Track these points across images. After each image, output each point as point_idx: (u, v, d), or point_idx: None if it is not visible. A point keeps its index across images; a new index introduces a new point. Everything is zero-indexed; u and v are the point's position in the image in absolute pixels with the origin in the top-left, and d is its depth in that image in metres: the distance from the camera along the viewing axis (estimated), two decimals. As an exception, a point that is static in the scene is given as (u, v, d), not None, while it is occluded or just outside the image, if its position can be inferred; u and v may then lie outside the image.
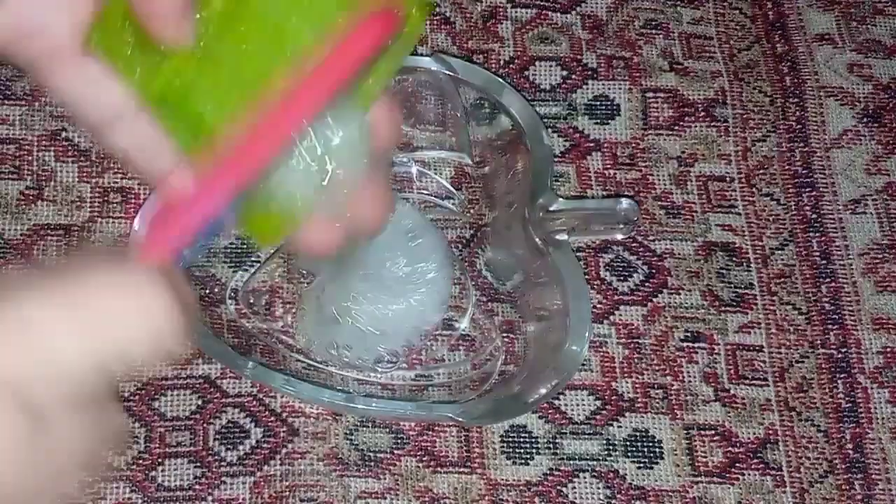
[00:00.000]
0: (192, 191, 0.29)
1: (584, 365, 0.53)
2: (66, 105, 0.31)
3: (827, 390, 0.54)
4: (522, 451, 0.51)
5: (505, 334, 0.53)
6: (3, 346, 0.23)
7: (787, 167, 0.58)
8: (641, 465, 0.52)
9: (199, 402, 0.51)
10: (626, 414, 0.53)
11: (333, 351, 0.52)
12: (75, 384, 0.24)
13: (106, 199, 0.55)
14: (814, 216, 0.57)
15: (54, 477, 0.24)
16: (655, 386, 0.53)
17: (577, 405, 0.53)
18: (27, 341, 0.23)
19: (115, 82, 0.30)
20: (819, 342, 0.55)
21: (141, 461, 0.50)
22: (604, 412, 0.53)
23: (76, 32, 0.29)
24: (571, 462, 0.51)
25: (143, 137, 0.30)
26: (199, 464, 0.50)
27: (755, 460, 0.52)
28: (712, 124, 0.59)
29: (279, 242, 0.34)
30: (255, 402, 0.51)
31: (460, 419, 0.47)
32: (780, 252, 0.56)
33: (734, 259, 0.56)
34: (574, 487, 0.51)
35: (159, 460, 0.50)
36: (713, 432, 0.52)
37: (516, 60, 0.60)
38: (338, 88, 0.29)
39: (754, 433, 0.53)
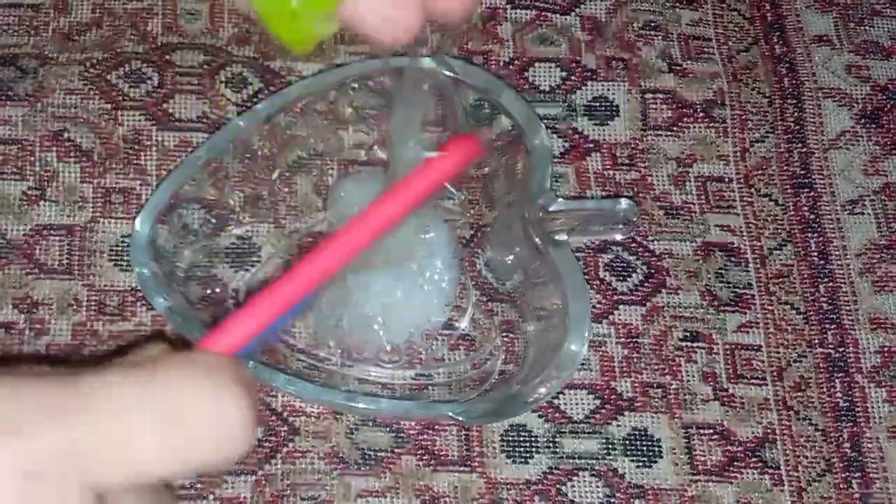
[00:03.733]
0: (262, 295, 0.29)
1: (583, 364, 0.53)
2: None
3: (825, 389, 0.54)
4: (522, 449, 0.52)
5: (505, 334, 0.53)
6: (89, 445, 0.22)
7: (785, 168, 0.59)
8: (640, 463, 0.52)
9: (201, 402, 0.51)
10: (625, 413, 0.53)
11: (332, 341, 0.51)
12: (149, 481, 0.23)
13: (108, 199, 0.55)
14: (812, 217, 0.58)
15: None
16: (654, 385, 0.53)
17: (577, 404, 0.53)
18: (114, 446, 0.22)
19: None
20: (817, 342, 0.55)
21: (143, 460, 0.50)
22: (603, 411, 0.53)
23: None
24: (571, 461, 0.52)
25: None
26: (200, 463, 0.50)
27: (753, 459, 0.52)
28: (711, 125, 0.59)
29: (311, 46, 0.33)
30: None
31: (460, 418, 0.47)
32: (778, 252, 0.57)
33: (733, 259, 0.56)
34: (573, 486, 0.51)
35: (161, 459, 0.50)
36: (712, 431, 0.53)
37: (516, 61, 0.60)
38: (415, 207, 0.32)
39: (753, 432, 0.53)
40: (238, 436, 0.23)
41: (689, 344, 0.54)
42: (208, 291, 0.53)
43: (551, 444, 0.52)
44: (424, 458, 0.51)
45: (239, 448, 0.23)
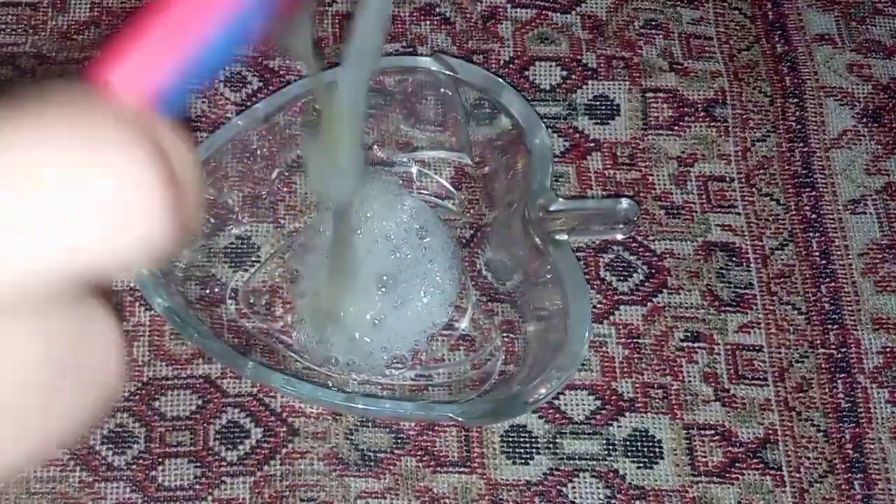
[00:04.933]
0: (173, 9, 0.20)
1: (584, 365, 0.53)
2: None
3: (826, 390, 0.54)
4: (522, 450, 0.52)
5: (505, 334, 0.53)
6: None
7: (786, 167, 0.59)
8: (641, 464, 0.52)
9: (199, 402, 0.51)
10: (626, 414, 0.53)
11: (339, 356, 0.52)
12: (45, 281, 0.18)
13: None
14: (813, 216, 0.57)
15: (63, 398, 0.19)
16: (655, 386, 0.53)
17: (577, 405, 0.53)
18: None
19: None
20: (819, 342, 0.55)
21: (141, 461, 0.50)
22: (604, 412, 0.53)
23: None
24: (571, 462, 0.51)
25: None
26: (199, 463, 0.50)
27: (755, 460, 0.52)
28: (712, 124, 0.59)
29: None
30: (255, 402, 0.51)
31: (460, 419, 0.47)
32: (779, 252, 0.56)
33: (734, 259, 0.56)
34: (574, 487, 0.51)
35: (159, 460, 0.50)
36: (713, 432, 0.52)
37: (516, 60, 0.60)
38: None
39: (754, 433, 0.53)
40: (142, 193, 0.18)
41: (690, 344, 0.54)
42: (207, 291, 0.52)
43: (552, 445, 0.52)
44: (424, 459, 0.51)
45: (146, 210, 0.18)
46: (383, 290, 0.52)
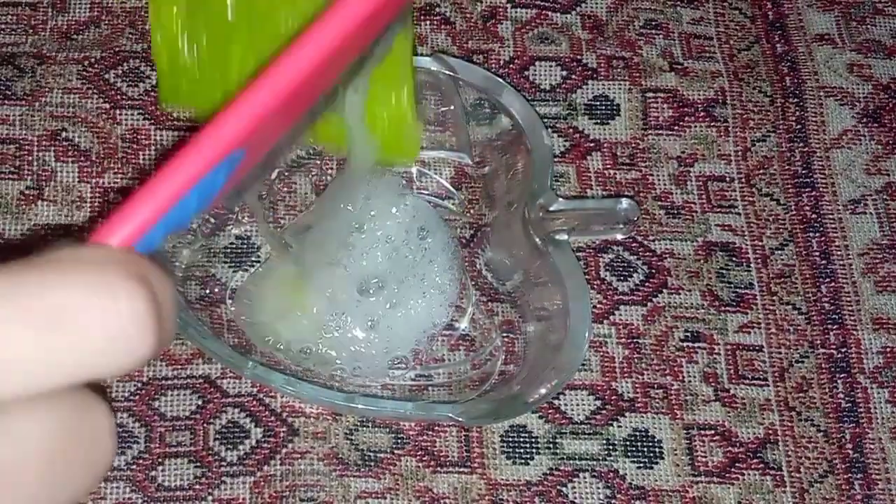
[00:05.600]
0: (157, 174, 0.23)
1: (584, 365, 0.53)
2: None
3: (827, 390, 0.54)
4: (522, 450, 0.52)
5: (505, 334, 0.53)
6: None
7: (786, 167, 0.58)
8: (641, 464, 0.52)
9: (199, 402, 0.51)
10: (626, 414, 0.53)
11: (340, 359, 0.52)
12: (41, 391, 0.19)
13: (106, 199, 0.55)
14: (813, 216, 0.57)
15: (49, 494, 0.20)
16: (655, 386, 0.53)
17: (577, 405, 0.53)
18: None
19: None
20: (819, 342, 0.55)
21: (141, 461, 0.50)
22: (604, 412, 0.53)
23: None
24: (571, 462, 0.51)
25: None
26: (199, 464, 0.50)
27: (755, 460, 0.52)
28: (712, 124, 0.59)
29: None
30: (255, 402, 0.51)
31: (460, 419, 0.47)
32: (779, 252, 0.56)
33: (734, 259, 0.56)
34: (574, 487, 0.51)
35: (159, 460, 0.50)
36: (713, 432, 0.52)
37: (516, 60, 0.60)
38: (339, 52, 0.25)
39: (754, 433, 0.53)
40: (133, 336, 0.20)
41: (690, 344, 0.54)
42: (207, 291, 0.52)
43: (552, 445, 0.52)
44: (424, 459, 0.51)
45: (135, 350, 0.20)
46: (373, 291, 0.52)
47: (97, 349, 0.20)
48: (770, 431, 0.53)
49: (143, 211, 0.23)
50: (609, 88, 0.60)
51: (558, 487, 0.51)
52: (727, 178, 0.58)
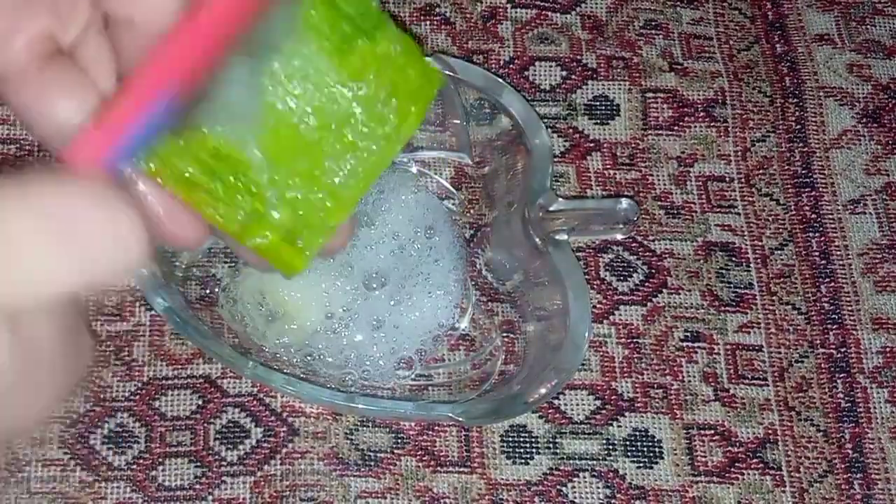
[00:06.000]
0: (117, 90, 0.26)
1: (583, 365, 0.53)
2: (15, 114, 0.31)
3: (826, 390, 0.54)
4: (522, 450, 0.52)
5: (505, 334, 0.53)
6: None
7: (786, 167, 0.59)
8: (641, 464, 0.52)
9: (200, 402, 0.51)
10: (626, 413, 0.53)
11: (350, 362, 0.52)
12: (50, 298, 0.23)
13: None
14: (813, 216, 0.57)
15: (35, 392, 0.24)
16: (655, 386, 0.53)
17: (577, 405, 0.53)
18: (10, 258, 0.22)
19: (66, 101, 0.30)
20: (818, 342, 0.55)
21: (141, 461, 0.50)
22: (603, 412, 0.53)
23: (31, 45, 0.29)
24: (571, 462, 0.52)
25: None
26: (199, 463, 0.50)
27: (755, 460, 0.52)
28: (712, 124, 0.59)
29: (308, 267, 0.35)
30: (255, 402, 0.51)
31: (460, 419, 0.47)
32: (779, 252, 0.57)
33: (734, 259, 0.56)
34: (574, 487, 0.51)
35: (159, 460, 0.50)
36: (713, 432, 0.53)
37: (516, 60, 0.60)
38: None
39: (754, 433, 0.53)
40: (131, 242, 0.23)
41: (689, 344, 0.54)
42: (207, 291, 0.52)
43: (552, 445, 0.52)
44: (424, 458, 0.51)
45: (132, 254, 0.23)
46: (375, 286, 0.52)
47: (102, 254, 0.23)
48: (770, 431, 0.53)
49: (114, 124, 0.25)
50: (609, 88, 0.60)
51: (558, 487, 0.51)
52: (727, 178, 0.58)
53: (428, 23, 0.60)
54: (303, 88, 0.31)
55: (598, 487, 0.51)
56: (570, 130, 0.58)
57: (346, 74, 0.32)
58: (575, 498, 0.51)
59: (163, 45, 0.26)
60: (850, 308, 0.55)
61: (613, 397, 0.53)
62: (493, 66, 0.59)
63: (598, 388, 0.53)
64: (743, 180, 0.58)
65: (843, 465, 0.52)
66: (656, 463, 0.52)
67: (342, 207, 0.34)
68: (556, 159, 0.57)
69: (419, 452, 0.51)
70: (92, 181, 0.23)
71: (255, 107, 0.31)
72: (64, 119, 0.30)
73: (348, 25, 0.31)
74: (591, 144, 0.58)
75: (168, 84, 0.26)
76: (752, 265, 0.56)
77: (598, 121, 0.59)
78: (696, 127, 0.59)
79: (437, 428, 0.52)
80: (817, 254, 0.57)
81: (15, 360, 0.22)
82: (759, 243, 0.57)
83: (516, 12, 0.61)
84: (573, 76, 0.60)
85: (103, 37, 0.30)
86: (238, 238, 0.33)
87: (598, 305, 0.54)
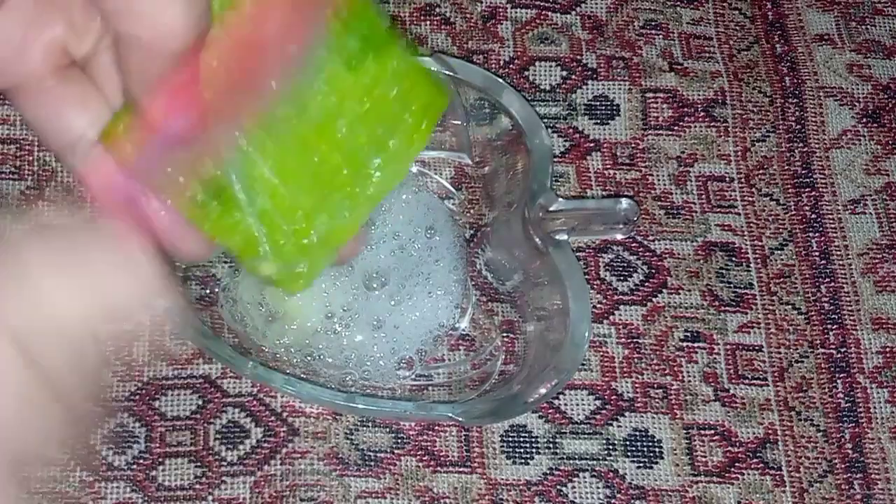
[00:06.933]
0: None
1: (583, 365, 0.53)
2: (29, 126, 0.31)
3: (826, 390, 0.54)
4: (522, 450, 0.52)
5: (505, 334, 0.53)
6: (9, 304, 0.23)
7: (786, 167, 0.59)
8: (641, 464, 0.52)
9: (200, 402, 0.51)
10: (626, 413, 0.53)
11: (351, 363, 0.52)
12: (69, 338, 0.24)
13: (106, 199, 0.55)
14: (813, 216, 0.57)
15: (50, 428, 0.25)
16: (655, 386, 0.53)
17: (577, 405, 0.53)
18: (28, 291, 0.23)
19: (77, 113, 0.30)
20: (818, 342, 0.55)
21: (141, 461, 0.50)
22: (603, 412, 0.53)
23: (47, 57, 0.29)
24: (571, 462, 0.52)
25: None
26: (199, 463, 0.50)
27: (755, 460, 0.52)
28: (712, 124, 0.59)
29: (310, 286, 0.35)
30: (255, 402, 0.51)
31: (460, 419, 0.47)
32: (779, 252, 0.57)
33: (734, 259, 0.56)
34: (574, 487, 0.51)
35: (159, 460, 0.50)
36: (713, 432, 0.53)
37: (516, 60, 0.60)
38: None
39: (754, 433, 0.53)
40: (142, 275, 0.25)
41: (689, 344, 0.54)
42: (207, 291, 0.52)
43: (551, 445, 0.52)
44: (424, 458, 0.51)
45: (145, 290, 0.25)
46: (375, 286, 0.52)
47: (116, 289, 0.25)
48: (770, 431, 0.53)
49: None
50: (609, 88, 0.60)
51: (558, 487, 0.51)
52: (727, 178, 0.58)
53: (428, 23, 0.60)
54: (315, 107, 0.31)
55: (598, 487, 0.51)
56: (570, 130, 0.58)
57: (355, 93, 0.31)
58: (575, 498, 0.51)
59: (179, 75, 0.27)
60: (850, 308, 0.55)
61: (613, 397, 0.53)
62: (493, 66, 0.59)
63: (598, 388, 0.53)
64: (743, 180, 0.58)
65: (843, 465, 0.52)
66: (656, 463, 0.52)
67: (347, 231, 0.33)
68: (556, 159, 0.57)
69: (419, 452, 0.51)
70: (109, 216, 0.25)
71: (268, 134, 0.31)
72: (77, 132, 0.30)
73: (357, 42, 0.31)
74: (591, 144, 0.58)
75: (184, 113, 0.27)
76: (752, 265, 0.56)
77: (598, 121, 0.59)
78: (696, 127, 0.59)
79: (437, 428, 0.52)
80: (817, 254, 0.57)
81: (28, 387, 0.23)
82: (759, 243, 0.57)
83: (516, 12, 0.61)
84: (573, 76, 0.60)
85: (114, 52, 0.31)
86: (239, 257, 0.33)
87: (598, 305, 0.54)
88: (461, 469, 0.51)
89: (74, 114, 0.30)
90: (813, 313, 0.55)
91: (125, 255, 0.25)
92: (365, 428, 0.51)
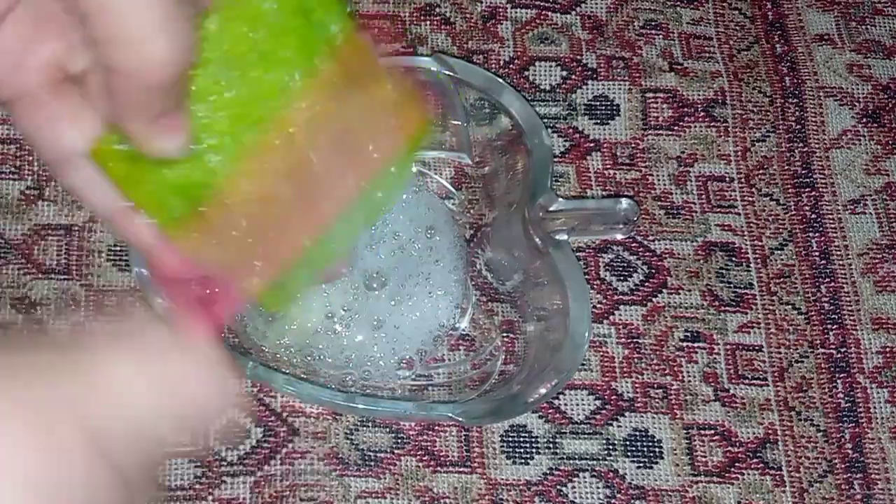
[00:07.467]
0: (227, 277, 0.32)
1: (583, 365, 0.53)
2: (24, 138, 0.32)
3: (826, 390, 0.54)
4: (522, 450, 0.52)
5: (505, 334, 0.53)
6: (85, 396, 0.24)
7: (786, 167, 0.59)
8: (641, 464, 0.52)
9: (200, 402, 0.51)
10: (626, 413, 0.53)
11: (352, 364, 0.52)
12: (139, 435, 0.25)
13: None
14: (813, 216, 0.57)
15: None
16: (655, 386, 0.53)
17: (577, 405, 0.53)
18: (103, 387, 0.24)
19: (70, 127, 0.31)
20: (818, 342, 0.55)
21: (141, 461, 0.50)
22: (603, 412, 0.53)
23: (43, 72, 0.30)
24: (571, 462, 0.52)
25: (90, 180, 0.31)
26: (199, 463, 0.50)
27: (755, 460, 0.52)
28: (712, 124, 0.59)
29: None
30: (255, 402, 0.51)
31: (460, 419, 0.47)
32: (779, 252, 0.57)
33: (734, 259, 0.56)
34: (574, 487, 0.51)
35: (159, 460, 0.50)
36: (713, 432, 0.52)
37: (516, 60, 0.60)
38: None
39: (754, 433, 0.53)
40: (220, 398, 0.27)
41: (689, 344, 0.54)
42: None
43: (552, 445, 0.52)
44: (424, 458, 0.51)
45: (219, 408, 0.27)
46: (376, 286, 0.52)
47: (193, 405, 0.26)
48: (770, 431, 0.53)
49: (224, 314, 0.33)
50: (609, 88, 0.60)
51: (558, 487, 0.51)
52: (727, 178, 0.58)
53: (428, 23, 0.60)
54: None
55: (598, 487, 0.51)
56: (570, 130, 0.58)
57: (343, 120, 0.31)
58: (575, 498, 0.51)
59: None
60: (850, 308, 0.55)
61: (613, 397, 0.53)
62: (493, 66, 0.59)
63: (598, 388, 0.53)
64: (743, 180, 0.58)
65: (843, 465, 0.52)
66: (656, 463, 0.52)
67: (331, 257, 0.33)
68: (556, 159, 0.57)
69: (419, 452, 0.51)
70: (195, 338, 0.27)
71: None
72: (68, 145, 0.30)
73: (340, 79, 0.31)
74: (591, 144, 0.58)
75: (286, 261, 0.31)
76: (752, 265, 0.56)
77: (598, 121, 0.59)
78: (696, 127, 0.59)
79: (437, 428, 0.52)
80: (817, 254, 0.57)
81: (98, 478, 0.24)
82: (759, 243, 0.57)
83: (516, 12, 0.61)
84: (573, 76, 0.60)
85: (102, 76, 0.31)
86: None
87: (598, 305, 0.54)
88: (461, 469, 0.51)
89: (67, 127, 0.30)
90: (813, 313, 0.55)
91: (199, 359, 0.26)
92: (365, 428, 0.51)
